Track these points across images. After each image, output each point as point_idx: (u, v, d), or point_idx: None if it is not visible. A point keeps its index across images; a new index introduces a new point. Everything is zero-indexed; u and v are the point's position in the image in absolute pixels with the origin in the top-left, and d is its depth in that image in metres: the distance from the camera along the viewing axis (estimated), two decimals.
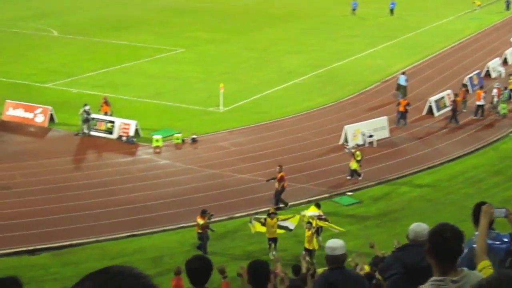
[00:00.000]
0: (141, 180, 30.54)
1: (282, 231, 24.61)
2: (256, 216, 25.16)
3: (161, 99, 41.43)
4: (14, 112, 38.13)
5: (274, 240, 24.47)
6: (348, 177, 30.98)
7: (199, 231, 24.74)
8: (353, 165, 30.93)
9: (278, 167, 28.29)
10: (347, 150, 33.10)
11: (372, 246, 18.09)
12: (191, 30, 61.41)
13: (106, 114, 36.95)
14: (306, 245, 23.42)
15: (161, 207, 27.79)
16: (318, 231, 24.45)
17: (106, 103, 37.36)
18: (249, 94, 42.32)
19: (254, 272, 7.68)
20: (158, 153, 33.99)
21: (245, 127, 37.19)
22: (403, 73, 43.78)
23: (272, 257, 23.03)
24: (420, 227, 7.99)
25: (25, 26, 61.89)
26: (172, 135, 35.36)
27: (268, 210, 25.02)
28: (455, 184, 30.93)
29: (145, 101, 41.11)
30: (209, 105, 40.17)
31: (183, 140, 35.02)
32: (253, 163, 31.85)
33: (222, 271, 15.30)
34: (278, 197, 28.18)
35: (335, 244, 8.12)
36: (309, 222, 23.65)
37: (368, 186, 30.64)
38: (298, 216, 24.86)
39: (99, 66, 48.56)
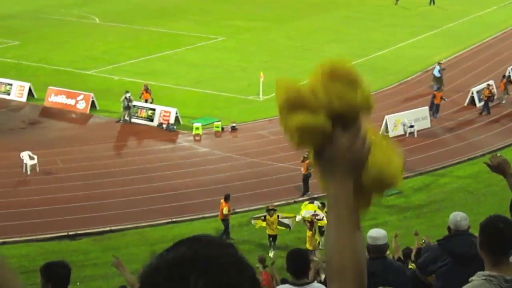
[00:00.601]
0: (180, 167, 30.70)
1: (282, 228, 24.27)
2: (255, 216, 24.73)
3: (201, 87, 41.55)
4: (56, 98, 38.57)
5: (274, 237, 24.04)
6: None
7: (222, 217, 24.95)
8: None
9: (306, 153, 28.23)
10: None
11: (416, 234, 18.10)
12: (231, 19, 61.37)
13: (146, 101, 37.18)
14: (307, 246, 22.90)
15: (201, 195, 27.89)
16: (322, 231, 23.41)
17: (147, 90, 37.58)
18: None
19: (294, 261, 7.68)
20: (198, 141, 34.13)
21: None
22: (439, 64, 43.12)
23: (271, 255, 22.76)
24: (460, 216, 7.93)
25: (67, 13, 62.43)
26: (212, 123, 35.46)
27: (267, 207, 24.62)
28: (496, 176, 30.28)
29: (185, 89, 41.28)
30: (249, 93, 40.19)
31: (222, 128, 35.11)
32: (292, 152, 31.66)
33: (262, 261, 15.34)
34: (306, 182, 28.07)
35: (377, 233, 8.07)
36: (310, 222, 23.25)
37: (408, 177, 30.37)
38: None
39: (140, 53, 48.86)
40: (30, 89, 39.50)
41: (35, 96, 39.50)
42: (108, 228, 25.33)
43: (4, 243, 24.13)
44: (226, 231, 24.86)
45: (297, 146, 2.26)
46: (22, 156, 29.64)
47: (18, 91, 39.65)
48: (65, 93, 38.61)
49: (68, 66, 45.63)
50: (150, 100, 37.37)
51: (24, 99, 39.29)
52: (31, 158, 29.60)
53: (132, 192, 27.88)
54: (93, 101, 37.83)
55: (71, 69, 45.03)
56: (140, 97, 37.17)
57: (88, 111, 37.51)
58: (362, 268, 2.24)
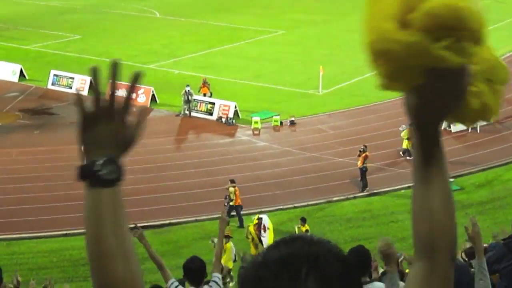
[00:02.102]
0: (239, 161, 30.72)
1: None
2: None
3: (260, 81, 41.52)
4: (117, 92, 38.81)
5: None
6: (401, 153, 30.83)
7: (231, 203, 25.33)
8: (404, 144, 30.47)
9: (363, 146, 28.01)
10: (401, 129, 31.90)
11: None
12: (291, 12, 61.15)
13: (205, 95, 37.31)
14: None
15: (259, 189, 27.87)
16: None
17: (205, 84, 37.70)
18: (349, 77, 41.88)
19: (355, 258, 7.53)
20: (257, 135, 34.11)
21: (345, 110, 36.87)
22: None
23: None
24: None
25: (128, 7, 63.08)
26: (271, 117, 35.39)
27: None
28: None
29: (244, 82, 41.31)
30: (309, 87, 40.00)
31: (281, 123, 35.01)
32: (352, 147, 31.45)
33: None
34: (364, 177, 27.80)
35: None
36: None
37: (470, 173, 29.85)
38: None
39: (200, 47, 49.07)
40: (91, 83, 39.85)
41: None
42: (168, 221, 25.50)
43: (66, 234, 24.49)
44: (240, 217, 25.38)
45: (389, 79, 1.96)
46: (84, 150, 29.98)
47: (79, 84, 40.20)
48: (125, 86, 38.74)
49: (128, 60, 45.99)
50: (208, 94, 37.51)
51: (85, 92, 39.33)
52: None
53: (192, 186, 28.00)
54: (153, 95, 38.13)
55: (131, 63, 45.38)
56: (199, 91, 37.34)
57: (148, 105, 37.81)
58: (453, 234, 2.09)
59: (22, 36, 52.03)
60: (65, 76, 40.98)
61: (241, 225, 25.49)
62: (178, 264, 21.48)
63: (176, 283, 7.84)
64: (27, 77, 42.37)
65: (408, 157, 30.18)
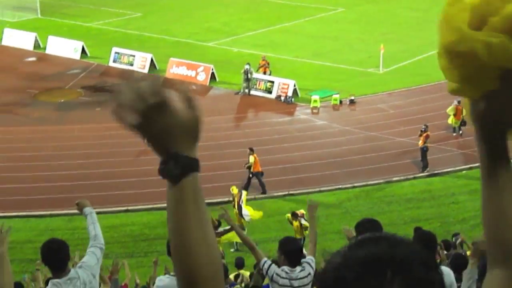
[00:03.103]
0: (298, 140, 30.64)
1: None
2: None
3: (320, 59, 41.28)
4: (178, 70, 39.23)
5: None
6: (454, 134, 30.40)
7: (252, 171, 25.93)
8: (450, 119, 30.00)
9: (424, 126, 27.61)
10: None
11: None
12: None
13: (264, 73, 37.25)
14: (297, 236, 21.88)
15: (318, 168, 27.78)
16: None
17: (265, 62, 37.63)
18: (410, 55, 41.34)
19: (423, 242, 7.45)
20: (316, 113, 33.96)
21: (405, 89, 36.43)
22: None
23: None
24: None
25: None
26: (330, 95, 35.18)
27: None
28: None
29: (304, 61, 41.11)
30: (369, 66, 39.62)
31: (341, 101, 34.77)
32: (412, 127, 31.07)
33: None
34: (424, 157, 27.45)
35: None
36: (293, 214, 22.02)
37: None
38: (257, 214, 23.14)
39: (260, 25, 48.97)
40: (152, 60, 40.35)
41: (157, 67, 40.28)
42: (227, 199, 25.58)
43: (127, 210, 24.86)
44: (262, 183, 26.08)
45: (460, 84, 1.98)
46: None
47: (140, 62, 40.57)
48: (185, 64, 39.22)
49: (188, 38, 46.30)
50: (268, 72, 37.43)
51: (146, 70, 40.13)
52: None
53: None
54: (213, 73, 38.25)
55: (191, 41, 45.68)
56: (258, 70, 37.30)
57: (208, 83, 37.98)
58: None
59: (84, 14, 52.68)
60: (126, 54, 41.37)
61: (264, 191, 26.14)
62: (236, 241, 21.71)
63: (269, 262, 7.87)
64: (88, 54, 42.92)
65: (454, 134, 29.91)
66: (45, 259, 6.31)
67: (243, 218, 22.70)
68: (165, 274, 16.88)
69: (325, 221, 23.87)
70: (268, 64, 37.72)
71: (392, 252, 1.71)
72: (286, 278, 7.64)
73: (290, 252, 7.75)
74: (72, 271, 6.29)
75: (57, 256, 6.25)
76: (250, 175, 26.42)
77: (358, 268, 1.68)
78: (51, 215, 24.34)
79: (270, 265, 7.86)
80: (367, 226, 7.28)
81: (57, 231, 23.02)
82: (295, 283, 7.63)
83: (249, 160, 26.37)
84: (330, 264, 1.75)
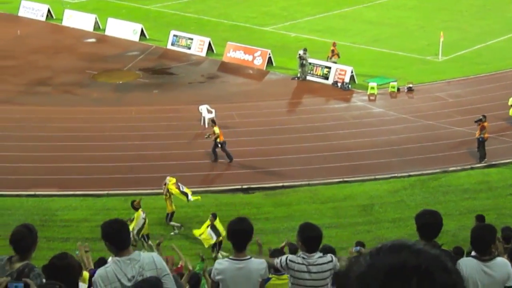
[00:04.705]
0: (354, 126, 30.46)
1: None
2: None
3: (378, 46, 40.90)
4: (235, 54, 39.31)
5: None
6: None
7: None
8: (511, 111, 29.60)
9: (482, 116, 27.08)
10: None
11: None
12: None
13: (335, 62, 36.61)
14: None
15: (374, 155, 27.58)
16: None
17: (335, 48, 37.15)
18: (470, 44, 40.69)
19: (484, 235, 7.35)
20: (373, 100, 33.69)
21: (465, 78, 35.88)
22: None
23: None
24: None
25: None
26: (388, 83, 34.86)
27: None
28: None
29: (362, 47, 40.79)
30: (428, 53, 39.12)
31: (398, 89, 34.42)
32: (470, 116, 30.56)
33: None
34: (481, 146, 26.98)
35: None
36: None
37: None
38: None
39: (318, 10, 48.74)
40: (210, 44, 40.49)
41: (214, 51, 40.42)
42: (280, 184, 25.64)
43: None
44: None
45: None
46: (201, 110, 30.54)
47: (198, 45, 40.76)
48: (243, 48, 39.27)
49: (246, 22, 46.32)
50: (337, 59, 36.94)
51: (203, 53, 40.35)
52: (209, 111, 30.43)
53: (306, 150, 28.00)
54: (270, 58, 38.22)
55: (249, 25, 45.69)
56: (331, 57, 36.82)
57: (264, 68, 37.97)
58: None
59: None
60: (184, 37, 41.59)
61: (230, 159, 26.98)
62: (290, 227, 21.88)
63: (283, 257, 7.89)
64: (147, 37, 43.28)
65: None
66: (109, 237, 6.39)
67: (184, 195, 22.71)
68: (201, 260, 17.04)
69: (379, 210, 23.76)
70: (338, 52, 37.17)
71: (416, 260, 1.74)
72: (303, 263, 7.60)
73: (309, 238, 7.71)
74: (136, 252, 6.37)
75: (120, 235, 6.34)
76: (218, 145, 26.98)
77: (383, 277, 1.72)
78: (107, 195, 24.68)
79: (281, 258, 7.89)
80: (428, 217, 7.23)
81: (113, 210, 23.36)
82: (313, 269, 7.59)
83: (213, 132, 26.83)
84: (353, 273, 1.77)
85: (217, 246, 21.09)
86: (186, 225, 22.82)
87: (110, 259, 7.27)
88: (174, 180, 23.03)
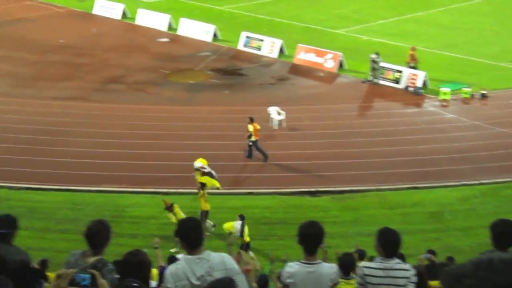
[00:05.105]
0: (425, 132, 30.07)
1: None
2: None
3: (451, 51, 40.29)
4: (305, 56, 39.25)
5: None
6: None
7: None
8: None
9: None
10: None
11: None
12: None
13: (414, 67, 35.88)
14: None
15: (445, 162, 27.17)
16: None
17: (413, 53, 36.57)
18: None
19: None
20: (445, 106, 33.19)
21: None
22: None
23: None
24: None
25: None
26: (461, 88, 34.29)
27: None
28: None
29: (434, 52, 40.24)
30: (503, 60, 38.35)
31: (472, 95, 33.84)
32: None
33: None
34: None
35: None
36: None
37: None
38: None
39: (391, 14, 48.30)
40: (281, 46, 40.53)
41: (285, 52, 40.45)
42: (348, 188, 25.48)
43: (250, 193, 25.14)
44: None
45: None
46: (270, 111, 30.58)
47: (269, 47, 40.85)
48: (314, 51, 39.18)
49: (318, 24, 46.20)
50: (415, 64, 36.29)
51: (274, 55, 40.41)
52: (278, 113, 30.46)
53: (375, 154, 27.77)
54: (341, 60, 38.04)
55: (321, 28, 45.57)
56: (408, 63, 36.28)
57: (335, 70, 37.82)
58: None
59: None
60: (255, 38, 41.73)
61: (265, 157, 27.06)
62: (357, 231, 21.72)
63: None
64: (219, 38, 43.58)
65: None
66: (181, 236, 6.46)
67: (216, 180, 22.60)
68: (284, 260, 17.03)
69: (449, 217, 23.40)
70: (416, 57, 36.54)
71: None
72: (380, 268, 7.50)
73: (388, 242, 7.60)
74: (207, 252, 6.40)
75: (192, 234, 6.38)
76: (250, 143, 27.08)
77: None
78: (176, 193, 24.92)
79: (357, 271, 7.81)
80: (504, 226, 7.09)
81: (182, 209, 23.59)
82: (390, 273, 7.48)
83: (248, 129, 26.86)
84: (459, 283, 1.71)
85: (243, 247, 20.99)
86: (249, 226, 22.87)
87: (180, 256, 7.36)
88: (205, 162, 22.93)
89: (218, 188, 22.90)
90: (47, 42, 42.91)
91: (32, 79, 36.77)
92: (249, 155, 27.33)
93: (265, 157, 27.21)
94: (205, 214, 22.24)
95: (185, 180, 25.19)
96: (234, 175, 26.15)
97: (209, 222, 22.59)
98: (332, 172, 26.61)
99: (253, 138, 27.09)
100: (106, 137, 29.07)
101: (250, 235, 21.26)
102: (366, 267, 7.60)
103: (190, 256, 6.36)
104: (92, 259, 6.50)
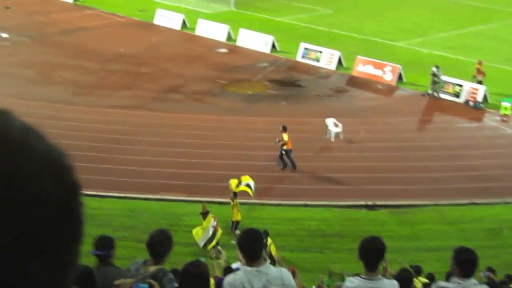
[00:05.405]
0: (485, 147, 29.57)
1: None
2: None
3: None
4: (364, 68, 39.02)
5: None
6: None
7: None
8: None
9: None
10: None
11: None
12: None
13: (480, 83, 35.34)
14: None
15: (505, 178, 26.65)
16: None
17: (480, 67, 36.01)
18: None
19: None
20: (506, 121, 32.61)
21: None
22: None
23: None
24: None
25: None
26: None
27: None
28: None
29: (496, 66, 39.55)
30: None
31: None
32: None
33: None
34: None
35: None
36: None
37: None
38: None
39: (452, 27, 47.74)
40: (339, 58, 40.39)
41: (344, 64, 40.29)
42: (406, 202, 25.19)
43: (306, 205, 25.03)
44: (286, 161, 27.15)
45: None
46: (327, 123, 30.45)
47: (327, 59, 40.73)
48: (373, 63, 38.93)
49: (377, 37, 45.92)
50: (482, 78, 35.67)
51: (333, 67, 40.28)
52: (336, 125, 30.31)
53: (434, 169, 27.39)
54: (400, 73, 37.71)
55: (380, 40, 45.27)
56: (474, 77, 35.73)
57: (394, 83, 37.50)
58: None
59: (275, 8, 53.62)
60: (314, 50, 41.66)
61: (294, 167, 27.15)
62: (414, 247, 21.44)
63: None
64: (278, 49, 43.63)
65: None
66: (242, 247, 6.46)
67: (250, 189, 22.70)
68: (328, 275, 16.92)
69: (508, 234, 22.93)
70: (483, 71, 35.91)
71: None
72: None
73: (465, 261, 7.47)
74: (266, 265, 6.37)
75: (253, 246, 6.36)
76: (283, 152, 27.14)
77: None
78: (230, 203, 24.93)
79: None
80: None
81: (242, 219, 23.61)
82: None
83: (282, 138, 26.90)
84: None
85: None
86: (304, 238, 22.73)
87: (236, 265, 7.34)
88: (236, 181, 22.99)
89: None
90: (108, 51, 43.53)
91: (92, 87, 37.34)
92: (284, 165, 27.35)
93: (294, 166, 27.28)
94: (236, 224, 22.59)
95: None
96: (289, 186, 26.08)
97: (239, 233, 22.68)
98: (390, 185, 26.34)
99: (286, 147, 27.17)
100: (164, 146, 29.29)
101: (304, 247, 21.17)
102: (443, 287, 7.47)
103: (249, 268, 6.34)
104: (153, 268, 6.53)
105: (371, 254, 7.22)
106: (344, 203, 25.20)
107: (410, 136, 30.72)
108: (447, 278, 7.86)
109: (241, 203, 24.37)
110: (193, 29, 48.34)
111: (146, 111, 33.74)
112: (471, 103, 34.21)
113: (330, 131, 30.25)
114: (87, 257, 8.27)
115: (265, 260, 7.14)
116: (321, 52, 41.24)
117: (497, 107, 33.56)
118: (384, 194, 25.67)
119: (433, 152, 28.88)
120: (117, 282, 5.73)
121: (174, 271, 7.99)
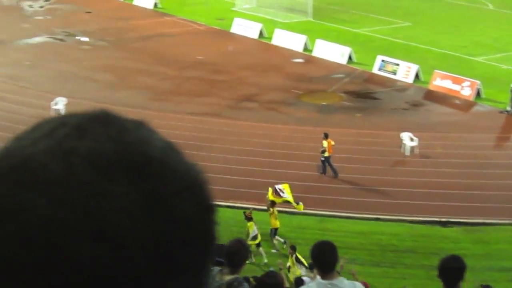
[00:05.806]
0: None
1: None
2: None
3: None
4: (442, 82, 38.49)
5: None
6: None
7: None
8: None
9: None
10: None
11: None
12: None
13: None
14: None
15: None
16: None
17: None
18: None
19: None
20: None
21: None
22: None
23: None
24: None
25: None
26: None
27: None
28: None
29: None
30: None
31: None
32: None
33: None
34: None
35: None
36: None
37: None
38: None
39: None
40: (417, 71, 39.94)
41: (421, 78, 39.81)
42: (481, 220, 24.72)
43: (377, 219, 24.81)
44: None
45: None
46: (402, 137, 30.12)
47: (404, 72, 40.32)
48: (451, 78, 38.36)
49: (456, 51, 45.21)
50: None
51: (410, 80, 39.84)
52: (411, 139, 29.97)
53: (509, 187, 26.81)
54: (478, 89, 37.05)
55: (459, 54, 44.57)
56: None
57: (472, 99, 36.85)
58: None
59: (353, 20, 53.33)
60: (391, 62, 41.31)
61: (335, 174, 27.67)
62: (487, 266, 21.01)
63: None
64: (354, 60, 43.42)
65: None
66: (315, 259, 6.44)
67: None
68: None
69: None
70: None
71: None
72: None
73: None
74: (340, 278, 6.34)
75: (326, 258, 6.35)
76: (322, 159, 27.50)
77: None
78: (304, 214, 24.91)
79: None
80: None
81: (307, 229, 23.59)
82: None
83: (322, 145, 27.31)
84: None
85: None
86: (375, 252, 22.52)
87: (307, 279, 7.30)
88: (271, 190, 23.26)
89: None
90: (186, 58, 44.03)
91: (170, 93, 37.84)
92: (323, 171, 27.59)
93: (335, 173, 27.55)
94: (274, 231, 22.94)
95: (311, 201, 25.20)
96: (360, 199, 25.91)
97: (279, 239, 22.73)
98: (464, 203, 25.89)
99: (326, 154, 27.45)
100: (237, 154, 29.45)
101: (375, 262, 20.95)
102: None
103: (322, 281, 6.31)
104: (228, 277, 6.57)
105: (451, 273, 7.12)
106: (417, 218, 24.88)
107: (486, 153, 30.14)
108: None
109: (311, 214, 24.38)
110: (270, 38, 48.50)
111: (221, 119, 33.99)
112: None
113: (405, 145, 29.92)
114: None
115: (338, 273, 7.11)
116: (398, 64, 40.86)
117: None
118: (458, 211, 25.26)
119: (510, 171, 28.27)
120: None
121: (246, 279, 8.02)
